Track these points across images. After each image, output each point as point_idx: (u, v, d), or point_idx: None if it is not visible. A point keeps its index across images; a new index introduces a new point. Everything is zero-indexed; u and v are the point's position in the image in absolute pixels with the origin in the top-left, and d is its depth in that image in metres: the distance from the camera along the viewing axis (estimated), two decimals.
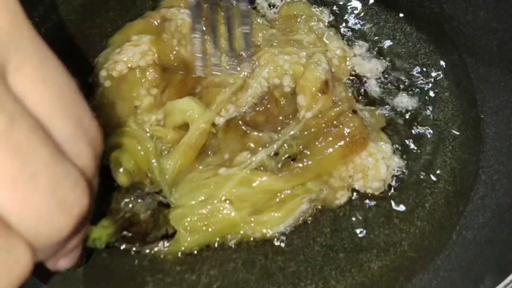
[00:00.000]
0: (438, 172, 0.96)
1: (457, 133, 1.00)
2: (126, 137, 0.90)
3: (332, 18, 1.10)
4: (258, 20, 1.05)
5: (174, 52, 0.97)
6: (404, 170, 0.95)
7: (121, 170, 0.89)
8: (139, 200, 0.86)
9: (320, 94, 0.94)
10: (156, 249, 0.87)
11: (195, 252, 0.88)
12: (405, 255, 0.89)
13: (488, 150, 0.98)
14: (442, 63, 1.06)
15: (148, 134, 0.91)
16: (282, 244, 0.89)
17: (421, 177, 0.95)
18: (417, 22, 1.10)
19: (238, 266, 0.87)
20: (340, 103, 0.94)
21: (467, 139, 0.99)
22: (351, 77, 1.03)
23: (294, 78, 0.96)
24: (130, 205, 0.86)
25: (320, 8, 1.10)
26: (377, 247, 0.89)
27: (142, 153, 0.89)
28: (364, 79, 1.03)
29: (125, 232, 0.86)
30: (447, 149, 0.98)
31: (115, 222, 0.84)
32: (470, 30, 1.06)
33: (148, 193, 0.87)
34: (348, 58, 1.03)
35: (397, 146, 0.97)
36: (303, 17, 1.06)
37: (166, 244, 0.87)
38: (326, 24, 1.08)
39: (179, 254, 0.87)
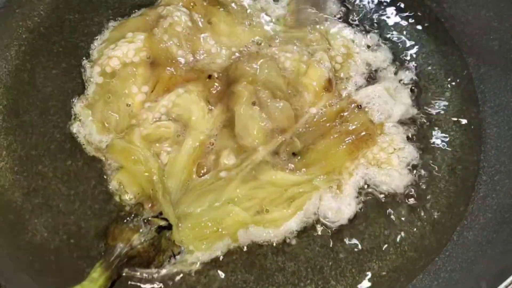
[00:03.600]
0: (439, 172, 0.96)
1: (458, 133, 1.00)
2: (129, 161, 0.89)
3: (343, 11, 1.09)
4: (261, 17, 1.05)
5: (162, 45, 0.96)
6: (419, 161, 0.95)
7: (125, 194, 0.89)
8: (136, 232, 0.84)
9: (324, 92, 0.94)
10: (168, 267, 0.86)
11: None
12: (405, 255, 0.89)
13: (489, 150, 0.98)
14: (443, 62, 1.06)
15: (152, 151, 0.90)
16: (282, 245, 0.88)
17: (422, 177, 0.95)
18: (418, 21, 1.10)
19: (238, 266, 0.87)
20: (339, 100, 0.95)
21: (468, 139, 0.99)
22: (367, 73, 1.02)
23: (296, 76, 0.96)
24: (126, 244, 0.83)
25: (331, 2, 1.10)
26: (377, 247, 0.89)
27: (146, 174, 0.87)
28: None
29: (125, 270, 0.84)
30: (448, 149, 0.98)
31: (109, 266, 0.81)
32: (471, 29, 1.06)
33: (146, 221, 0.85)
34: (356, 53, 1.03)
35: (408, 135, 0.97)
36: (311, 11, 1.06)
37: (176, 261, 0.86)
38: (335, 19, 1.07)
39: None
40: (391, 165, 0.92)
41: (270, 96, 0.92)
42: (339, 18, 1.08)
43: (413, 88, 1.02)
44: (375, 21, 1.09)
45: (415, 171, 0.94)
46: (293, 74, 0.96)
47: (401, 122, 0.98)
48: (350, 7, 1.11)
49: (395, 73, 1.03)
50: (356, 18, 1.09)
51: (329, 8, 1.09)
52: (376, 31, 1.08)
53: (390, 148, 0.93)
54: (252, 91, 0.91)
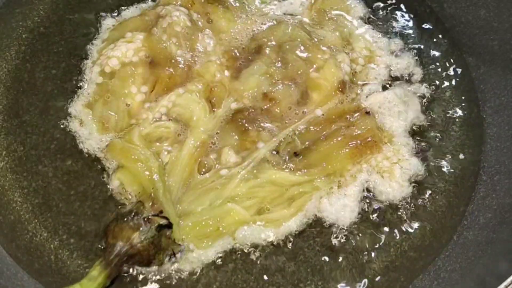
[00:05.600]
0: (439, 172, 0.96)
1: (458, 133, 1.00)
2: (129, 160, 0.89)
3: (369, 13, 1.09)
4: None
5: (161, 45, 0.96)
6: (422, 174, 0.94)
7: (125, 193, 0.89)
8: (136, 231, 0.83)
9: (338, 93, 0.94)
10: (168, 266, 0.86)
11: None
12: (405, 255, 0.89)
13: (489, 150, 0.98)
14: (443, 62, 1.06)
15: (152, 150, 0.90)
16: (282, 245, 0.88)
17: (423, 177, 0.95)
18: (418, 21, 1.10)
19: (238, 266, 0.87)
20: (349, 103, 0.95)
21: (468, 139, 0.99)
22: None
23: (306, 74, 0.96)
24: (126, 243, 0.83)
25: (356, 2, 1.09)
26: (377, 247, 0.89)
27: (147, 173, 0.87)
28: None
29: (125, 268, 0.84)
30: (448, 149, 0.98)
31: (108, 264, 0.81)
32: (471, 29, 1.06)
33: (146, 219, 0.85)
34: (379, 57, 1.02)
35: (415, 149, 0.96)
36: (336, 12, 1.07)
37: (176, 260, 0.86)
38: (358, 20, 1.07)
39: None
40: (392, 175, 0.92)
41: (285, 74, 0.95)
42: (364, 20, 1.08)
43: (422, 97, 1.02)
44: (377, 21, 1.10)
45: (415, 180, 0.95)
46: (305, 66, 0.96)
47: (411, 132, 0.97)
48: (375, 9, 1.10)
49: (408, 81, 1.02)
50: (381, 21, 1.09)
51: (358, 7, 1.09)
52: (399, 36, 1.07)
53: (395, 158, 0.93)
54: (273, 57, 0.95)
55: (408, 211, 0.92)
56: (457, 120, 1.01)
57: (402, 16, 1.11)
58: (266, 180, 0.88)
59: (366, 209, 0.91)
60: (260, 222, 0.87)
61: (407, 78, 1.02)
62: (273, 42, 0.99)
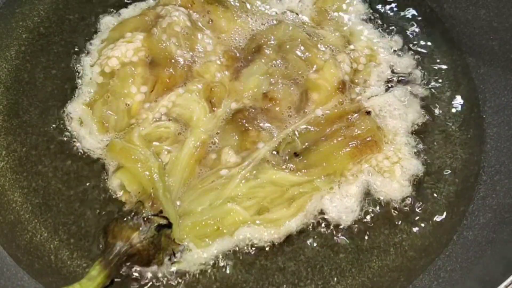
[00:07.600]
0: (439, 172, 0.96)
1: (458, 133, 1.00)
2: (129, 160, 0.89)
3: (369, 12, 1.10)
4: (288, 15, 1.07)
5: (161, 45, 0.96)
6: (422, 174, 0.94)
7: (125, 193, 0.90)
8: (136, 231, 0.83)
9: (337, 93, 0.94)
10: (167, 266, 0.85)
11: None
12: (405, 255, 0.89)
13: (489, 150, 0.98)
14: (443, 62, 1.06)
15: (152, 150, 0.90)
16: (282, 245, 0.88)
17: (423, 177, 0.94)
18: (418, 21, 1.10)
19: (238, 266, 0.87)
20: (347, 102, 0.95)
21: (468, 139, 0.99)
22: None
23: (306, 74, 0.96)
24: (125, 242, 0.83)
25: (357, 2, 1.10)
26: (377, 247, 0.89)
27: (147, 173, 0.87)
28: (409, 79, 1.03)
29: (125, 268, 0.84)
30: (448, 149, 0.98)
31: (108, 264, 0.81)
32: (470, 29, 1.06)
33: (146, 219, 0.85)
34: (380, 56, 1.02)
35: (415, 150, 0.96)
36: (337, 11, 1.07)
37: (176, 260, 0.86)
38: (359, 19, 1.08)
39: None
40: (393, 175, 0.92)
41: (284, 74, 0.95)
42: (364, 19, 1.08)
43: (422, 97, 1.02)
44: (377, 20, 1.10)
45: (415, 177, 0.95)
46: (305, 66, 0.96)
47: (411, 131, 0.97)
48: (376, 8, 1.11)
49: (409, 80, 1.02)
50: (381, 20, 1.09)
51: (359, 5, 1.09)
52: (399, 35, 1.07)
53: (395, 158, 0.93)
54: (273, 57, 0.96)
55: (408, 211, 0.92)
56: (457, 120, 1.01)
57: (402, 15, 1.11)
58: (266, 180, 0.88)
59: (366, 209, 0.91)
60: (260, 222, 0.87)
61: (408, 78, 1.02)
62: (273, 42, 0.99)
